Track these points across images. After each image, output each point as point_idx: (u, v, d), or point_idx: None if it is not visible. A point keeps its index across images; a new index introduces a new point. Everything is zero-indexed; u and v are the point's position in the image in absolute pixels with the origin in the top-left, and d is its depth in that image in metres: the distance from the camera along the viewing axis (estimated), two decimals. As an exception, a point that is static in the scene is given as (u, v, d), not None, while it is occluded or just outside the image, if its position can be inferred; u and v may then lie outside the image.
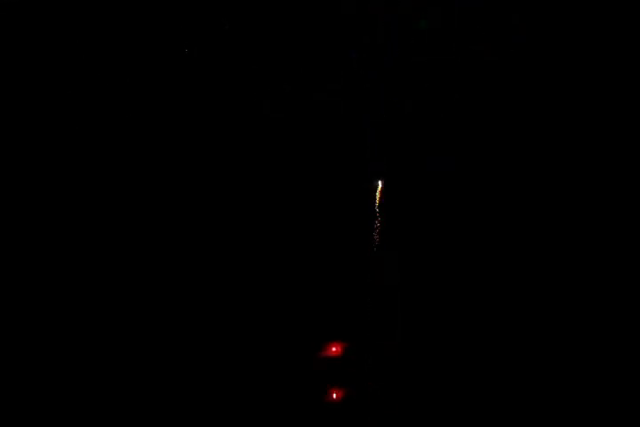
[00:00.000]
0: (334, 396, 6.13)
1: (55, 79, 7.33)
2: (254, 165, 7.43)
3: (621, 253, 6.55)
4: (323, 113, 7.39)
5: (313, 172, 7.40)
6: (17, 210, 7.15)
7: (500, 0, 7.05)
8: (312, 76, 7.44)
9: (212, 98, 7.48)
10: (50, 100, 7.32)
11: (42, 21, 7.25)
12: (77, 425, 6.08)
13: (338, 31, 7.39)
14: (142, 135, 7.42)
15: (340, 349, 6.42)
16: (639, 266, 6.49)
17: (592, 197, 6.74)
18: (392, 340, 6.58)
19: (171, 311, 6.74)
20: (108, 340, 6.58)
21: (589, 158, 6.80)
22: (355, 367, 6.35)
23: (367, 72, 7.36)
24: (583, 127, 6.86)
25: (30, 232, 7.11)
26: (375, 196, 7.43)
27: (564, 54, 6.93)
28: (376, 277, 7.03)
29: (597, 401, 5.97)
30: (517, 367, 6.28)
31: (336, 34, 7.39)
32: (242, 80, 7.46)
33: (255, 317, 6.67)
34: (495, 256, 6.85)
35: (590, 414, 5.92)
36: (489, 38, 7.08)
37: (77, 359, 6.44)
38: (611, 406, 5.93)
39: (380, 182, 7.48)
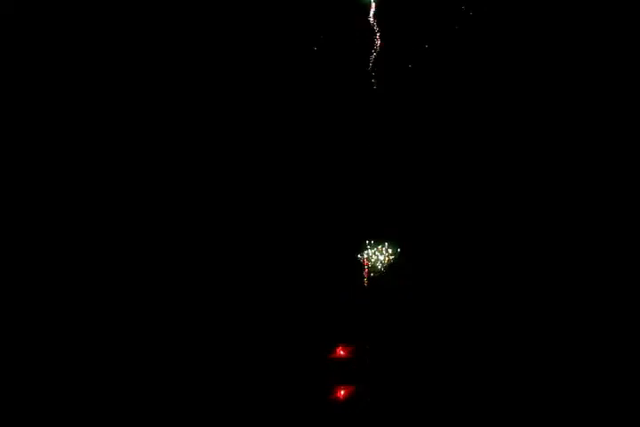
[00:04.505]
0: (342, 394, 6.18)
1: (55, 79, 7.30)
2: (254, 164, 7.43)
3: (622, 254, 6.61)
4: (323, 114, 7.40)
5: (313, 171, 7.41)
6: (17, 210, 7.13)
7: (500, 0, 7.06)
8: (312, 76, 7.44)
9: (212, 98, 7.47)
10: (50, 99, 7.30)
11: (42, 21, 7.22)
12: (77, 425, 6.11)
13: (338, 32, 7.39)
14: (141, 135, 7.40)
15: (347, 351, 6.45)
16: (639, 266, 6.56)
17: (593, 197, 6.80)
18: (394, 342, 6.62)
19: (184, 317, 6.77)
20: (113, 341, 6.60)
21: (590, 159, 6.85)
22: (361, 368, 6.40)
23: (367, 72, 7.38)
24: (584, 128, 6.90)
25: (30, 232, 7.09)
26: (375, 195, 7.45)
27: (565, 55, 6.97)
28: (377, 280, 7.07)
29: (597, 401, 6.04)
30: (518, 368, 6.33)
31: (336, 34, 7.39)
32: (242, 80, 7.46)
33: (266, 321, 6.72)
34: (496, 258, 6.90)
35: (590, 414, 5.99)
36: (489, 38, 7.10)
37: (78, 359, 6.46)
38: (611, 407, 6.01)
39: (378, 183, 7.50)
